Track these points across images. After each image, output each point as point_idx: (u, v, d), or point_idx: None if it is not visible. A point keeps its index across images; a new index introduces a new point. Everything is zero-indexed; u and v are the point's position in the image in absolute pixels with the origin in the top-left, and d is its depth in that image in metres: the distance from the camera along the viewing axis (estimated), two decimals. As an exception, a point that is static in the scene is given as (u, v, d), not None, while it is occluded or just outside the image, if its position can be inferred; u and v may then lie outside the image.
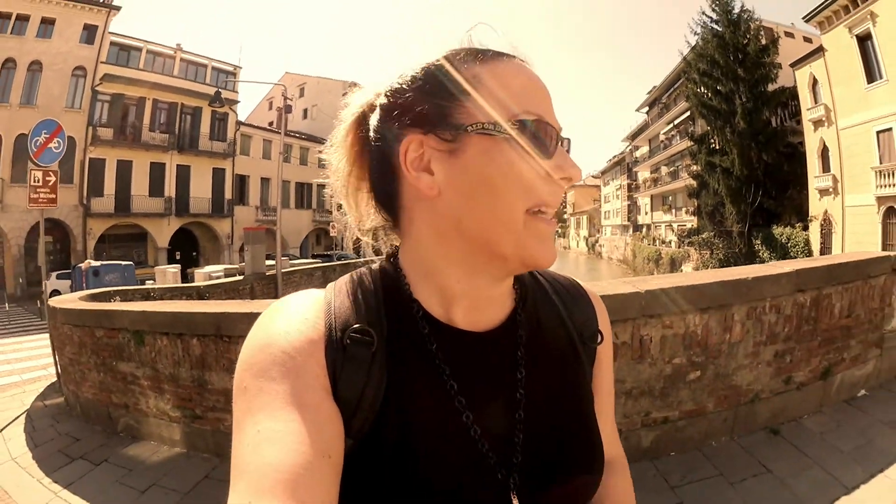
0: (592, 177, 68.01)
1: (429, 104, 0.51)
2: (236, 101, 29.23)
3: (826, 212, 21.75)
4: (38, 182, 6.15)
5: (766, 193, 24.76)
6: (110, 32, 23.97)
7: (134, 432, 4.18)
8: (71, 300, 5.64)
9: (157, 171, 25.98)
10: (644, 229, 44.81)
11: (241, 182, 30.87)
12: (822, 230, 22.17)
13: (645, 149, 46.44)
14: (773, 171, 25.03)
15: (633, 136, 49.73)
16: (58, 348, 5.37)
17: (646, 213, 46.30)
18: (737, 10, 25.79)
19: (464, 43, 0.54)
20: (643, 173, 46.59)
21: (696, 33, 27.21)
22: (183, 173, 27.20)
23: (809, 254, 21.53)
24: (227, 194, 29.49)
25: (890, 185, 17.63)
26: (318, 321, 0.51)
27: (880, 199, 18.20)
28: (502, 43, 0.54)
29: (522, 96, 0.51)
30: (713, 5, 26.34)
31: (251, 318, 3.17)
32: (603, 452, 0.62)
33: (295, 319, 0.51)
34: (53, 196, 6.23)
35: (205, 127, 28.21)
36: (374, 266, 0.60)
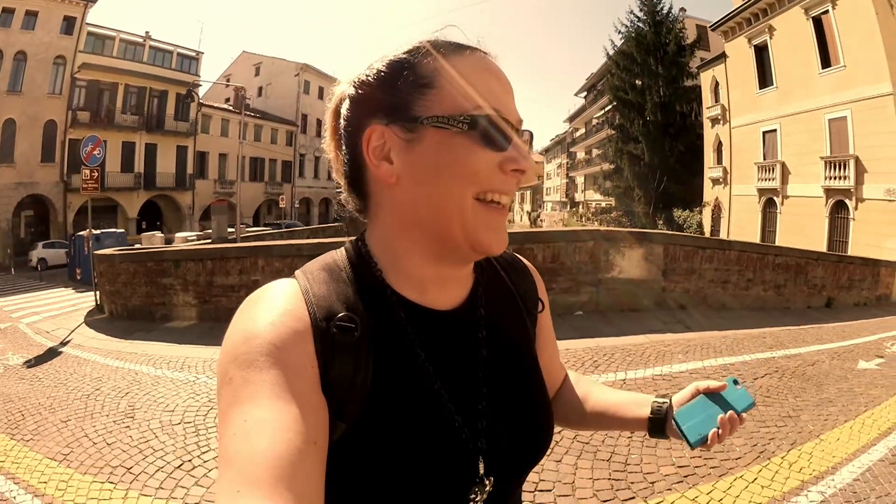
0: (539, 154, 67.65)
1: (391, 96, 0.53)
2: (198, 85, 31.23)
3: (717, 199, 24.33)
4: (87, 177, 9.33)
5: (678, 180, 27.18)
6: (87, 23, 25.64)
7: (167, 318, 7.63)
8: (112, 251, 8.88)
9: (128, 149, 28.35)
10: (580, 206, 46.87)
11: (202, 158, 33.39)
12: (713, 214, 24.67)
13: (583, 130, 47.86)
14: (684, 160, 27.01)
15: (572, 118, 51.84)
16: (109, 280, 8.64)
17: (581, 191, 47.99)
18: (665, 10, 27.75)
19: (429, 36, 0.55)
20: (579, 154, 48.43)
21: (619, 32, 29.10)
22: (150, 151, 29.69)
23: (701, 233, 24.07)
24: (189, 169, 32.09)
25: (769, 179, 19.69)
26: (302, 312, 0.51)
27: (761, 191, 20.24)
28: (469, 37, 0.56)
29: (479, 90, 0.52)
30: (641, 6, 28.02)
31: (239, 249, 7.04)
32: (552, 410, 0.68)
33: (278, 311, 0.51)
34: (97, 186, 9.46)
35: (170, 109, 30.59)
36: (341, 250, 0.61)
